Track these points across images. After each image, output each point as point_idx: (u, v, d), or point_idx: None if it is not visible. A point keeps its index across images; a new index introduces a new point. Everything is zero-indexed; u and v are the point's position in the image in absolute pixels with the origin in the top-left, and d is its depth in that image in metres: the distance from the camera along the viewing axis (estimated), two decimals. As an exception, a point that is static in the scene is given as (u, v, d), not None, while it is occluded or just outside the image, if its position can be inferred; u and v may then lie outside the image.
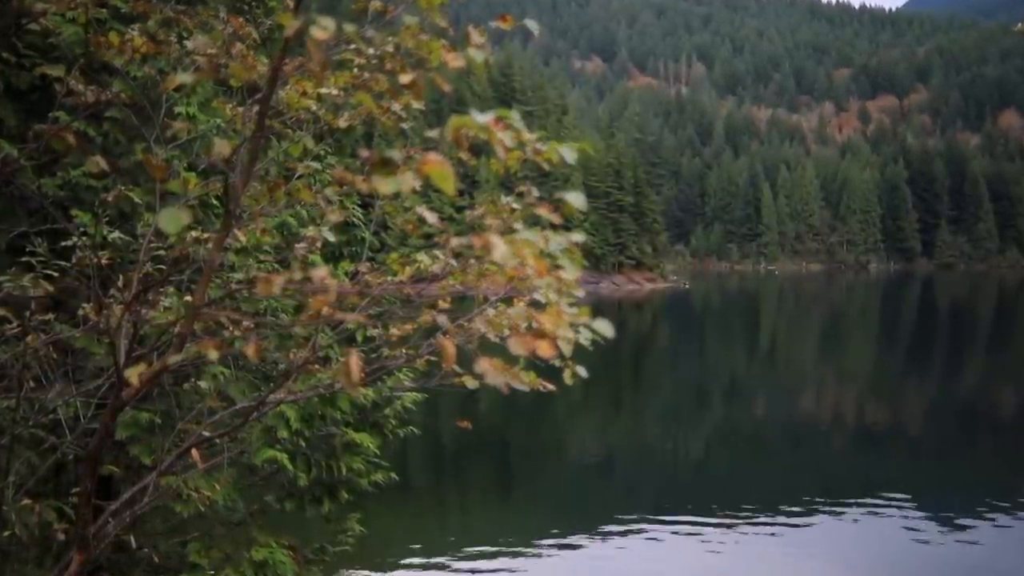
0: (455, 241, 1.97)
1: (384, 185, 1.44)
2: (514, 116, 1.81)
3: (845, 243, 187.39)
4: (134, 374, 2.34)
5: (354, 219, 6.99)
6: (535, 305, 2.81)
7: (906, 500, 18.39)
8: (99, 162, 2.91)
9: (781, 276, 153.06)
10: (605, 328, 2.03)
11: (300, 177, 3.45)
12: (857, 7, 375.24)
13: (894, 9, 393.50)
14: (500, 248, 1.60)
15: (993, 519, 16.97)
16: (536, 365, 2.61)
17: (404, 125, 3.03)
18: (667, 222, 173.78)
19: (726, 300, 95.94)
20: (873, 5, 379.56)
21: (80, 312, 3.78)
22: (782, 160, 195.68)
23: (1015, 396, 34.88)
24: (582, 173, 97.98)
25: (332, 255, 6.76)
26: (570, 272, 2.00)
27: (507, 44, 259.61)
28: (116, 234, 4.37)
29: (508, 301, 3.06)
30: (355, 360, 1.47)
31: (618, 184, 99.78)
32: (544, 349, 1.79)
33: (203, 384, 4.88)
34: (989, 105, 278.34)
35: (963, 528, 16.57)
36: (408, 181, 1.48)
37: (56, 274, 3.85)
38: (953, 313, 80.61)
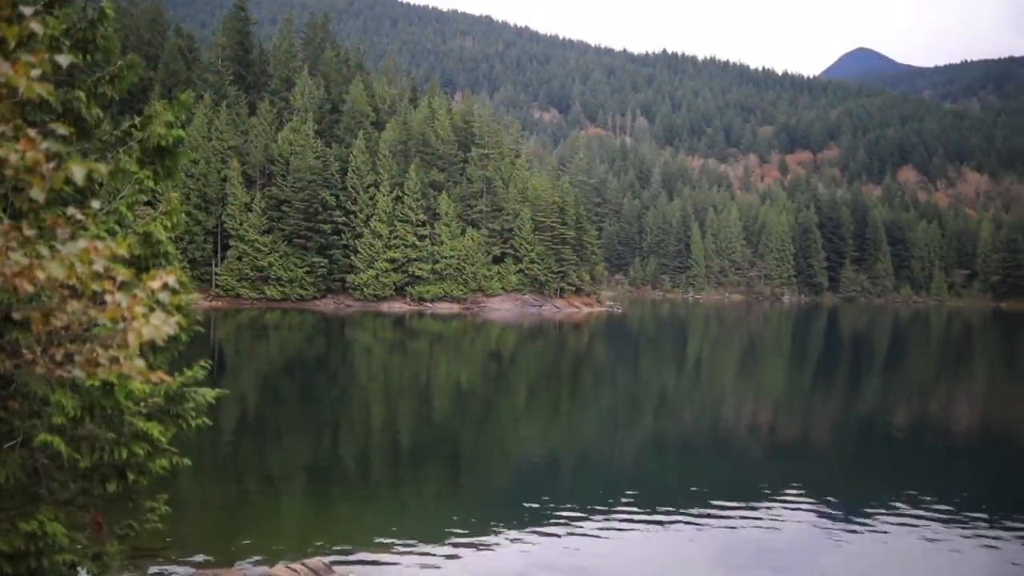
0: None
1: None
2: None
3: (763, 277, 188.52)
4: None
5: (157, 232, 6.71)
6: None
7: (812, 502, 18.58)
8: None
9: (706, 304, 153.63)
10: (167, 327, 2.07)
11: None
12: (780, 73, 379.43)
13: (812, 76, 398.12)
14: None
15: (889, 520, 17.15)
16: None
17: None
18: (609, 254, 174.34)
19: (658, 323, 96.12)
20: (794, 72, 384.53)
21: None
22: (711, 203, 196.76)
23: (905, 411, 35.11)
24: (531, 209, 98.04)
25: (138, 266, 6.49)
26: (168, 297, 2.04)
27: (479, 92, 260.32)
28: None
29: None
30: None
31: (562, 219, 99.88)
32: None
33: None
34: (890, 162, 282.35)
35: (862, 527, 16.75)
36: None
37: None
38: (854, 340, 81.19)
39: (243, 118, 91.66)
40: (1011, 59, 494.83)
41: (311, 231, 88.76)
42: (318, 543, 14.24)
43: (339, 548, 14.05)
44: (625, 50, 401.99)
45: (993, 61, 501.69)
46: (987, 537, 16.00)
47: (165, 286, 2.67)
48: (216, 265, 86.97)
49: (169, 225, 7.06)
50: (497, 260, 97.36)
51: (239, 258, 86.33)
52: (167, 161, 7.28)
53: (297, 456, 22.11)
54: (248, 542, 14.24)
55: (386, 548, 14.24)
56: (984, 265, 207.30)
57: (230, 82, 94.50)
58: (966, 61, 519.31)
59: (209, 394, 7.00)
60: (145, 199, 7.37)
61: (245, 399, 31.21)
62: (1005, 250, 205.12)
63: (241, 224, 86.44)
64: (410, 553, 14.07)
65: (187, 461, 7.15)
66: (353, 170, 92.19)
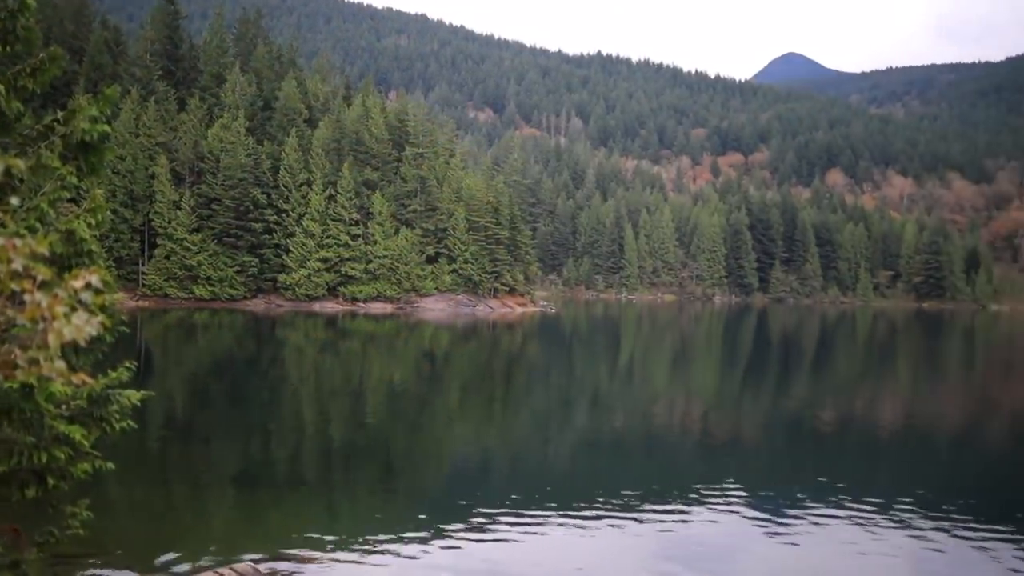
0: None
1: None
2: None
3: (694, 277, 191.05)
4: None
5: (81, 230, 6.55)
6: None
7: (743, 500, 18.82)
8: None
9: (639, 305, 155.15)
10: (90, 328, 2.08)
11: None
12: (713, 77, 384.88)
13: (743, 80, 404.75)
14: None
15: (819, 517, 17.41)
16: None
17: None
18: (543, 254, 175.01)
19: (591, 323, 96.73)
20: (726, 76, 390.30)
21: None
22: (644, 204, 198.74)
23: (833, 409, 35.82)
24: (465, 209, 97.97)
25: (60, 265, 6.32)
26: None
27: (413, 91, 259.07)
28: None
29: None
30: None
31: (496, 219, 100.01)
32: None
33: None
34: (818, 165, 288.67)
35: (792, 525, 16.96)
36: None
37: None
38: (783, 339, 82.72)
39: (172, 114, 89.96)
40: (933, 66, 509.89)
41: (242, 230, 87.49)
42: (248, 547, 14.04)
43: (269, 551, 13.87)
44: (560, 51, 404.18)
45: (917, 68, 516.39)
46: (916, 530, 16.43)
47: (88, 285, 2.61)
48: (143, 264, 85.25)
49: (93, 223, 6.89)
50: (431, 260, 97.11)
51: (167, 257, 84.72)
52: (91, 157, 7.11)
53: (226, 459, 21.79)
54: (175, 547, 13.98)
55: (317, 550, 14.11)
56: (907, 266, 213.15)
57: (158, 77, 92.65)
58: (891, 67, 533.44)
59: (134, 396, 6.85)
60: (68, 196, 7.18)
61: (172, 401, 30.64)
62: (927, 252, 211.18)
63: (169, 222, 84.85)
64: (342, 555, 13.96)
65: (111, 465, 6.99)
66: (285, 168, 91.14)
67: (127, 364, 7.18)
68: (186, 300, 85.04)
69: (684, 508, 17.69)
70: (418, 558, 14.09)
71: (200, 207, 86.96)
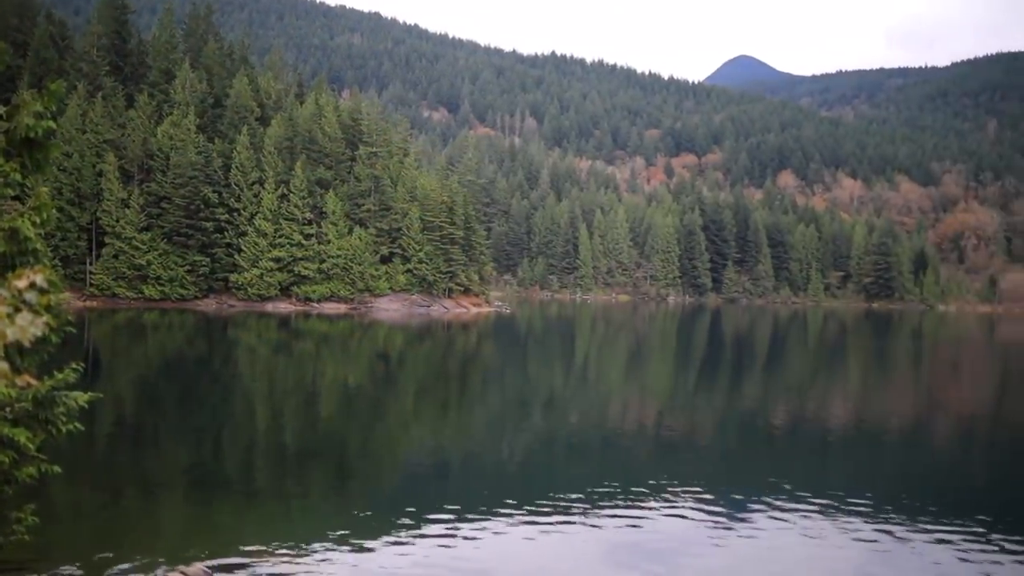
0: None
1: None
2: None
3: (649, 278, 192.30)
4: None
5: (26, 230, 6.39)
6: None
7: (696, 499, 18.93)
8: None
9: (594, 305, 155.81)
10: (34, 328, 2.08)
11: None
12: (666, 78, 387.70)
13: (697, 82, 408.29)
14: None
15: (773, 516, 17.63)
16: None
17: None
18: (497, 254, 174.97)
19: (546, 324, 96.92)
20: (679, 77, 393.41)
21: None
22: (598, 205, 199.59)
23: (784, 406, 36.25)
24: (419, 208, 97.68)
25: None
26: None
27: (367, 89, 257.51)
28: None
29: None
30: None
31: (450, 219, 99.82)
32: None
33: None
34: (770, 166, 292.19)
35: (746, 523, 17.14)
36: None
37: None
38: (736, 339, 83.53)
39: (120, 110, 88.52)
40: (882, 70, 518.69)
41: (192, 229, 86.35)
42: (198, 550, 13.85)
43: (221, 554, 13.69)
44: (515, 51, 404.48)
45: (866, 72, 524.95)
46: (866, 528, 16.68)
47: (32, 285, 2.54)
48: (91, 263, 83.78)
49: (38, 221, 6.73)
50: (385, 260, 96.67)
51: (115, 256, 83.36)
52: (36, 154, 6.94)
53: (177, 461, 21.47)
54: (125, 552, 13.74)
55: (270, 553, 13.96)
56: (857, 267, 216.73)
57: (106, 73, 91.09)
58: (841, 71, 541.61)
59: (81, 398, 6.70)
60: (12, 193, 7.00)
61: (121, 403, 30.15)
62: (876, 253, 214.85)
63: (118, 221, 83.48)
64: (295, 557, 13.83)
65: (57, 468, 6.84)
66: (237, 167, 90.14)
67: (74, 365, 7.03)
68: (135, 300, 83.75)
69: (639, 507, 17.77)
70: (372, 560, 14.01)
71: (149, 205, 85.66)
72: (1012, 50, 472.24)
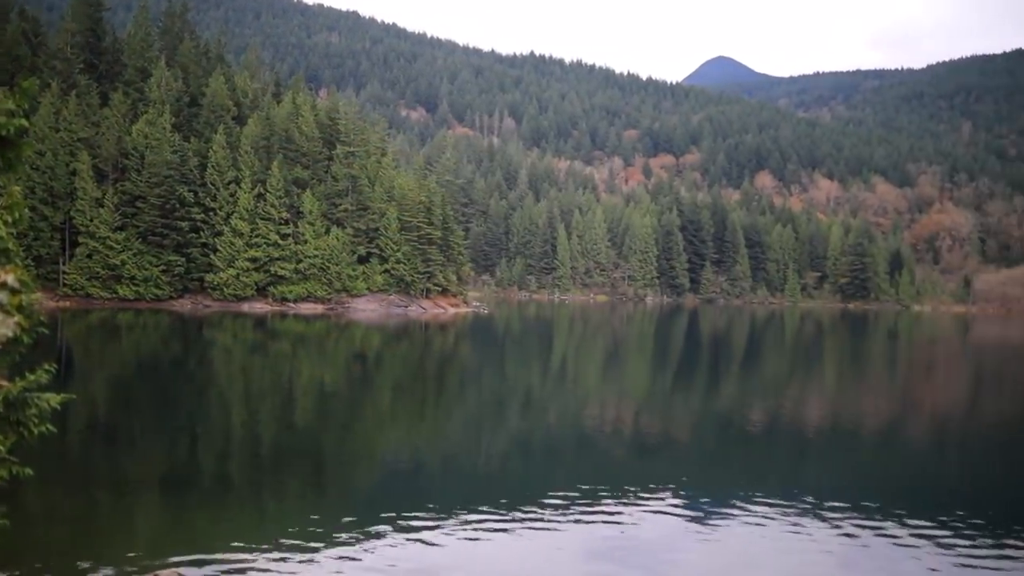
0: None
1: None
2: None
3: (627, 278, 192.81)
4: None
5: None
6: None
7: (674, 499, 19.06)
8: None
9: (572, 305, 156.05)
10: (6, 329, 2.09)
11: None
12: (645, 79, 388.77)
13: (675, 82, 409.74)
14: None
15: (751, 515, 17.72)
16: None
17: None
18: (476, 255, 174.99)
19: (524, 324, 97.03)
20: (658, 78, 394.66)
21: None
22: (576, 205, 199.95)
23: (761, 405, 36.45)
24: (397, 208, 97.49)
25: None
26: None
27: (345, 89, 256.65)
28: None
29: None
30: None
31: (428, 219, 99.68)
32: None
33: None
34: (748, 167, 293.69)
35: (724, 523, 17.26)
36: None
37: None
38: (714, 339, 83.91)
39: (94, 109, 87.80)
40: (858, 72, 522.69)
41: (167, 228, 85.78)
42: (174, 552, 13.78)
43: (195, 557, 13.64)
44: (493, 51, 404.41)
45: (843, 73, 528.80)
46: (844, 526, 16.81)
47: (4, 285, 2.54)
48: (64, 263, 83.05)
49: (10, 220, 6.68)
50: (362, 260, 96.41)
51: (89, 256, 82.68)
52: (8, 152, 6.89)
53: (150, 463, 21.34)
54: (98, 555, 13.66)
55: (246, 554, 13.91)
56: (834, 268, 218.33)
57: (80, 70, 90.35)
58: (818, 73, 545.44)
59: (53, 399, 6.65)
60: (-16, 192, 6.94)
61: (94, 404, 29.93)
62: (852, 253, 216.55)
63: (92, 220, 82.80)
64: (271, 559, 13.78)
65: (29, 471, 6.78)
66: (213, 166, 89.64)
67: (46, 366, 6.97)
68: (109, 300, 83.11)
69: (616, 508, 17.83)
70: (348, 561, 13.98)
71: (124, 205, 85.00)
72: (986, 52, 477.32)
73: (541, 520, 16.66)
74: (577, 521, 16.76)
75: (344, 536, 15.23)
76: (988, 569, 14.74)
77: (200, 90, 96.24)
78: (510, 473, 22.41)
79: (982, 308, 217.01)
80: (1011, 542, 16.31)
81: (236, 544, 14.46)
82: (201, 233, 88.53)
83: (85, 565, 13.08)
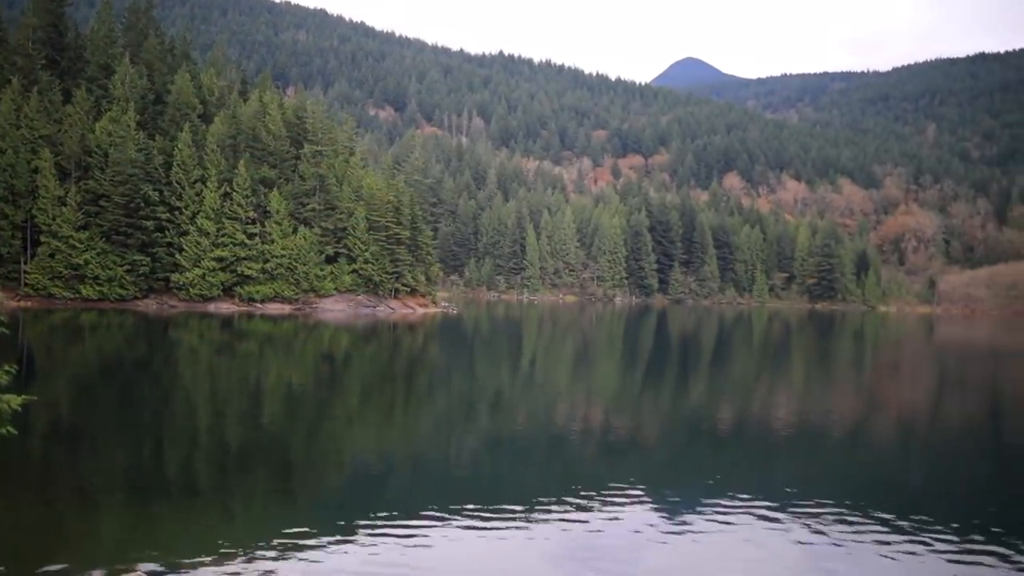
0: None
1: None
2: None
3: (596, 278, 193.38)
4: None
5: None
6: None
7: (644, 499, 19.06)
8: None
9: (541, 305, 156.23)
10: None
11: None
12: (613, 79, 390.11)
13: (644, 83, 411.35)
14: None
15: (719, 515, 17.78)
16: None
17: None
18: (444, 255, 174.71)
19: (493, 324, 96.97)
20: (626, 79, 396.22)
21: None
22: (545, 205, 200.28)
23: (730, 405, 36.63)
24: (365, 208, 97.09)
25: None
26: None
27: (312, 87, 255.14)
28: None
29: None
30: None
31: (397, 219, 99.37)
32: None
33: None
34: (716, 168, 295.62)
35: (693, 523, 17.29)
36: None
37: None
38: (683, 340, 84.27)
39: (57, 106, 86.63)
40: (825, 74, 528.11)
41: (132, 227, 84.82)
42: (140, 556, 13.60)
43: (161, 559, 13.46)
44: (462, 50, 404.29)
45: (810, 75, 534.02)
46: (812, 525, 16.91)
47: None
48: (25, 263, 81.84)
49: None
50: (330, 260, 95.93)
51: (51, 255, 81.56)
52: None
53: (114, 464, 21.06)
54: (61, 558, 13.45)
55: (212, 558, 13.75)
56: (801, 268, 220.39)
57: (42, 67, 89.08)
58: (785, 74, 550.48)
59: (14, 401, 6.53)
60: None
61: (57, 405, 29.50)
62: (820, 254, 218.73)
63: (54, 219, 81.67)
64: (237, 561, 13.64)
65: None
66: (178, 164, 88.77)
67: (7, 367, 6.84)
68: (72, 300, 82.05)
69: (585, 508, 17.84)
70: (317, 563, 13.87)
71: (87, 203, 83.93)
72: (950, 56, 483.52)
73: (511, 520, 16.62)
74: (547, 521, 16.75)
75: (312, 538, 15.11)
76: (953, 563, 14.90)
77: (165, 87, 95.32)
78: (480, 474, 22.36)
79: (946, 309, 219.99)
80: (975, 536, 16.49)
81: (202, 547, 14.30)
82: (166, 232, 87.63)
83: (48, 569, 12.86)
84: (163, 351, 51.94)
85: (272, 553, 14.20)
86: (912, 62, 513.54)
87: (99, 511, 16.90)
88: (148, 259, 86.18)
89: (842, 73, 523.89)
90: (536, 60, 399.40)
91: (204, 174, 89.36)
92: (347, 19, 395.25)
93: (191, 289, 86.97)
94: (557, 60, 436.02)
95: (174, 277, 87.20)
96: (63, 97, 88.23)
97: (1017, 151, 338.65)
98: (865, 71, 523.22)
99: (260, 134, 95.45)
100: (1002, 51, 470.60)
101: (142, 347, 53.94)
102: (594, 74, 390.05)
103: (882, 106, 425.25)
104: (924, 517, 17.97)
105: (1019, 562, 15.18)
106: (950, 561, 15.14)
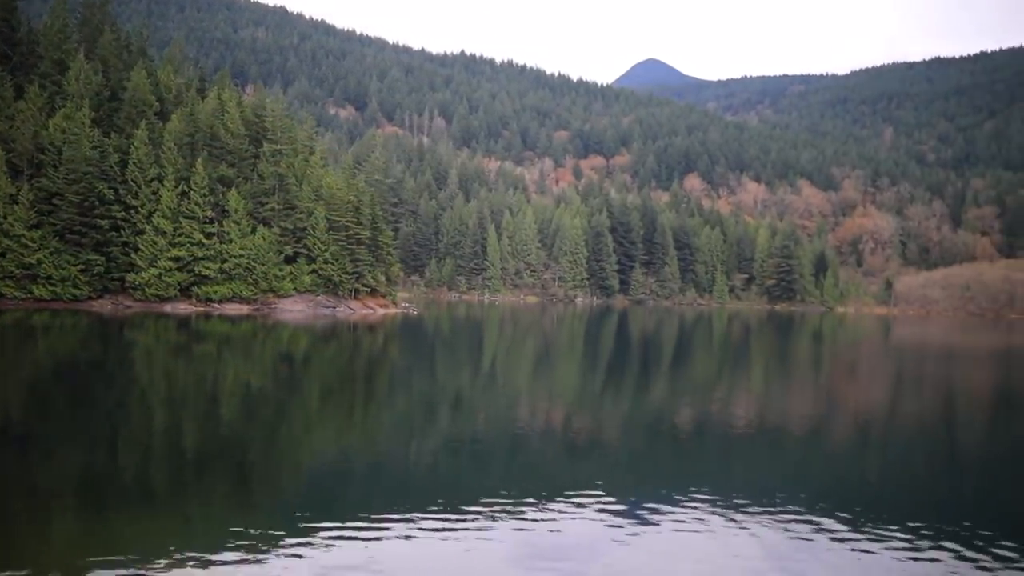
0: None
1: None
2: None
3: (557, 279, 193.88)
4: None
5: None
6: None
7: (605, 500, 19.04)
8: None
9: (502, 306, 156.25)
10: None
11: None
12: (575, 80, 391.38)
13: (605, 84, 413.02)
14: None
15: (681, 515, 17.86)
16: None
17: None
18: (405, 255, 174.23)
19: (454, 325, 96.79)
20: (588, 79, 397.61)
21: None
22: (507, 206, 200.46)
23: (691, 406, 36.82)
24: (325, 208, 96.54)
25: None
26: None
27: (272, 85, 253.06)
28: None
29: None
30: None
31: (357, 219, 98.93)
32: None
33: None
34: (677, 169, 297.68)
35: (654, 523, 17.35)
36: None
37: None
38: (644, 340, 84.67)
39: (8, 102, 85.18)
40: (785, 77, 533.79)
41: (86, 227, 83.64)
42: (92, 561, 13.39)
43: (115, 565, 13.27)
44: (423, 49, 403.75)
45: (769, 78, 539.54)
46: (769, 528, 17.05)
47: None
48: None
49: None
50: (289, 260, 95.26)
51: (2, 255, 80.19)
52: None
53: (67, 468, 20.71)
54: (11, 564, 13.21)
55: (167, 561, 13.58)
56: (760, 269, 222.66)
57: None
58: (746, 76, 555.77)
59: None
60: None
61: (7, 407, 28.99)
62: (779, 256, 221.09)
63: (5, 218, 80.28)
64: (194, 566, 13.48)
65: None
66: (134, 162, 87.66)
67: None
68: (24, 300, 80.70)
69: (547, 508, 17.85)
70: (275, 568, 13.75)
71: (40, 202, 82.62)
72: (907, 60, 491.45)
73: (471, 522, 16.60)
74: (507, 523, 16.74)
75: (271, 543, 14.98)
76: (910, 561, 15.10)
77: (121, 84, 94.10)
78: (440, 476, 22.30)
79: (903, 310, 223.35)
80: (931, 534, 16.73)
81: (158, 552, 14.12)
82: (122, 232, 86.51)
83: (-2, 576, 12.63)
84: (118, 352, 51.23)
85: (229, 556, 14.06)
86: (870, 65, 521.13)
87: (51, 516, 16.61)
88: (103, 259, 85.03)
89: (801, 76, 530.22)
90: (498, 60, 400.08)
91: (161, 172, 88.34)
92: (307, 17, 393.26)
93: (147, 289, 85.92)
94: (519, 60, 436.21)
95: (129, 277, 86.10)
96: (15, 93, 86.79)
97: (971, 154, 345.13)
98: (824, 74, 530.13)
99: (218, 132, 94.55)
100: (957, 56, 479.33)
101: (96, 348, 53.17)
102: (556, 75, 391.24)
103: (840, 109, 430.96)
104: (881, 515, 18.20)
105: (974, 558, 15.43)
106: (906, 559, 15.35)
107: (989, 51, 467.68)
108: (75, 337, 59.53)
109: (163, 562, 13.65)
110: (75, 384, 36.93)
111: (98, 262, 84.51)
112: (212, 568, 13.53)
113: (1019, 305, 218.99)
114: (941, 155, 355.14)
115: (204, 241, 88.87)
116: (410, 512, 17.14)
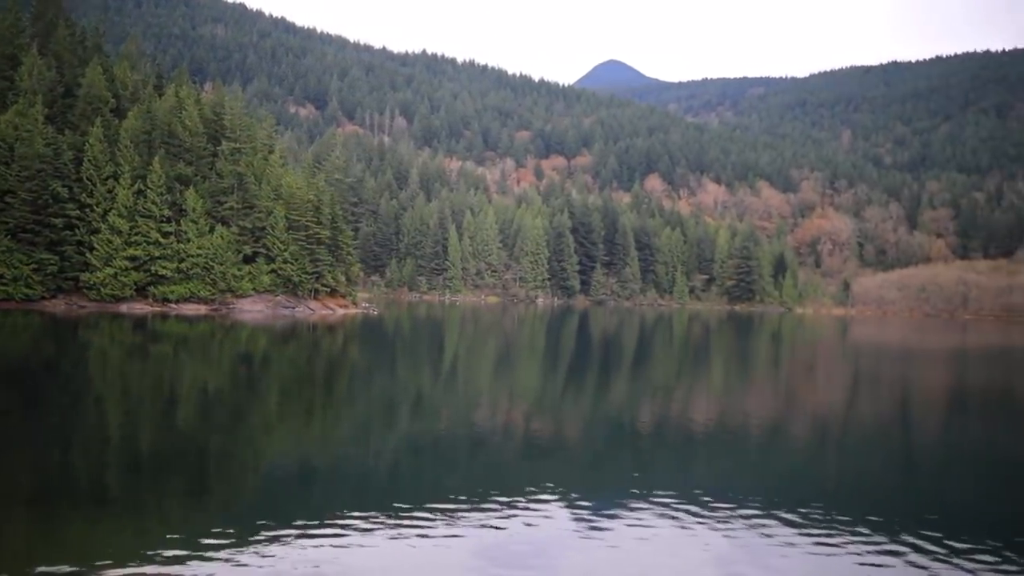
0: None
1: None
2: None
3: (518, 279, 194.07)
4: None
5: None
6: None
7: (566, 500, 19.07)
8: None
9: (463, 306, 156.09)
10: None
11: None
12: (537, 80, 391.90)
13: (567, 85, 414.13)
14: None
15: (640, 515, 17.90)
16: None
17: None
18: (365, 255, 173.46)
19: (414, 325, 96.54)
20: (550, 80, 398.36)
21: None
22: (468, 206, 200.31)
23: (651, 406, 37.01)
24: (284, 207, 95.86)
25: None
26: None
27: (231, 83, 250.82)
28: None
29: None
30: None
31: (317, 219, 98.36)
32: None
33: None
34: (638, 170, 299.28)
35: (614, 523, 17.37)
36: None
37: None
38: (604, 341, 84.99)
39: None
40: (745, 79, 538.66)
41: (40, 225, 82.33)
42: (44, 566, 13.18)
43: (68, 570, 13.07)
44: (384, 48, 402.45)
45: (730, 80, 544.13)
46: (730, 528, 17.19)
47: None
48: (-76, 261, 78.81)
49: None
50: (248, 259, 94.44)
51: (-47, 253, 78.71)
52: None
53: (18, 471, 20.36)
54: (-40, 569, 12.96)
55: (122, 566, 13.39)
56: (720, 270, 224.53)
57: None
58: (706, 78, 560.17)
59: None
60: None
61: (-42, 410, 28.42)
62: (739, 256, 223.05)
63: (-45, 215, 78.84)
64: (150, 568, 13.31)
65: None
66: (89, 160, 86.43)
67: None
68: (-26, 300, 79.28)
69: (507, 510, 17.86)
70: (233, 569, 13.62)
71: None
72: (864, 64, 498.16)
73: (432, 524, 16.56)
74: (468, 524, 16.72)
75: (229, 546, 14.83)
76: (869, 564, 15.29)
77: (76, 80, 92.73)
78: (400, 477, 22.23)
79: (860, 310, 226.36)
80: (888, 534, 16.96)
81: (113, 556, 13.93)
82: (76, 231, 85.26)
83: (-54, 582, 12.40)
84: (72, 353, 50.48)
85: (187, 560, 13.90)
86: (828, 69, 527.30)
87: (2, 519, 16.32)
88: (56, 258, 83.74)
89: (761, 78, 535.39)
90: (459, 60, 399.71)
91: (117, 170, 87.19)
92: (267, 14, 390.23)
93: (102, 289, 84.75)
94: (481, 60, 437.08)
95: (84, 277, 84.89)
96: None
97: (927, 157, 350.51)
98: (783, 77, 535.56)
99: (176, 130, 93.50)
100: (913, 60, 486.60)
101: (49, 349, 52.34)
102: (518, 75, 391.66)
103: (799, 111, 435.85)
104: (839, 515, 18.42)
105: (931, 551, 15.66)
106: (865, 552, 15.54)
107: (945, 55, 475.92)
108: (27, 338, 58.57)
109: (117, 565, 13.47)
110: (26, 386, 36.32)
111: (51, 261, 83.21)
112: (168, 570, 13.36)
113: (973, 306, 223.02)
114: (898, 158, 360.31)
115: (161, 240, 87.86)
116: (369, 514, 17.06)
